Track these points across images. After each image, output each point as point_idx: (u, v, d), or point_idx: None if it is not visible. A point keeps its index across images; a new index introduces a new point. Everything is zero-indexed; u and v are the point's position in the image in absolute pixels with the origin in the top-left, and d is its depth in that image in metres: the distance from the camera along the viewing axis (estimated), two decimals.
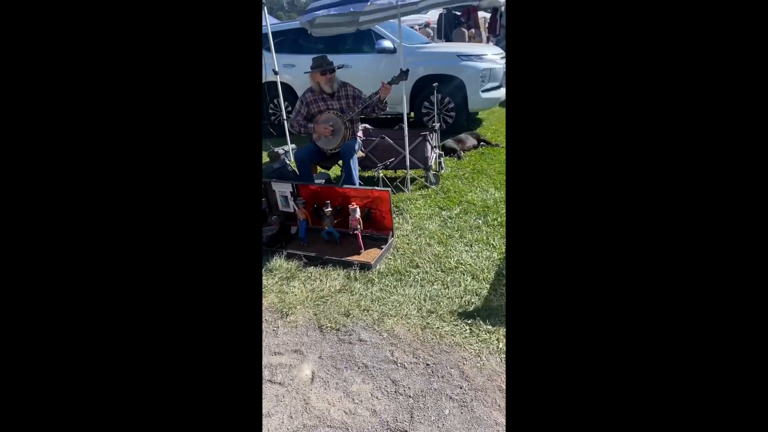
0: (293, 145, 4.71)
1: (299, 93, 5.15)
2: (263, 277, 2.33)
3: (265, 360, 1.74)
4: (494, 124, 5.31)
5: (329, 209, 2.56)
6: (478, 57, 4.80)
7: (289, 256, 2.49)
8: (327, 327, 1.89)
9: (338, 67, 2.96)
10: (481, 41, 8.36)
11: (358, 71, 4.86)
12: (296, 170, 3.54)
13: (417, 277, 2.20)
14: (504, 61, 5.11)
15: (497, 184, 3.33)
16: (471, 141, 4.40)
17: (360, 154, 3.46)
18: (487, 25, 8.97)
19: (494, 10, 8.59)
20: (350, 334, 1.83)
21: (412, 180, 3.49)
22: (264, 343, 1.83)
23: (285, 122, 4.67)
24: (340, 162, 3.10)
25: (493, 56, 4.95)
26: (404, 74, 2.83)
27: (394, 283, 2.16)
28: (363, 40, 5.19)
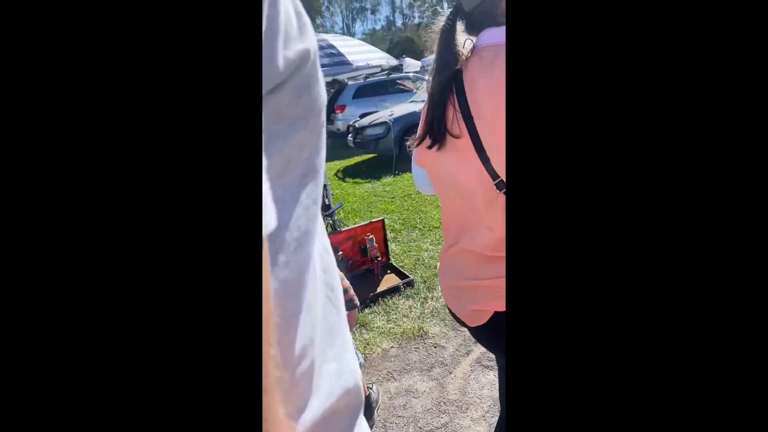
0: None
1: None
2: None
3: (469, 361, 1.79)
4: None
5: (340, 253, 2.52)
6: None
7: None
8: None
9: None
10: None
11: None
12: None
13: None
14: None
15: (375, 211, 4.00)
16: None
17: None
18: None
19: None
20: None
21: None
22: (446, 358, 1.83)
23: None
24: None
25: None
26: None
27: None
28: None
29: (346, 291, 1.37)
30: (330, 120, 9.25)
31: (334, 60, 2.82)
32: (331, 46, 2.80)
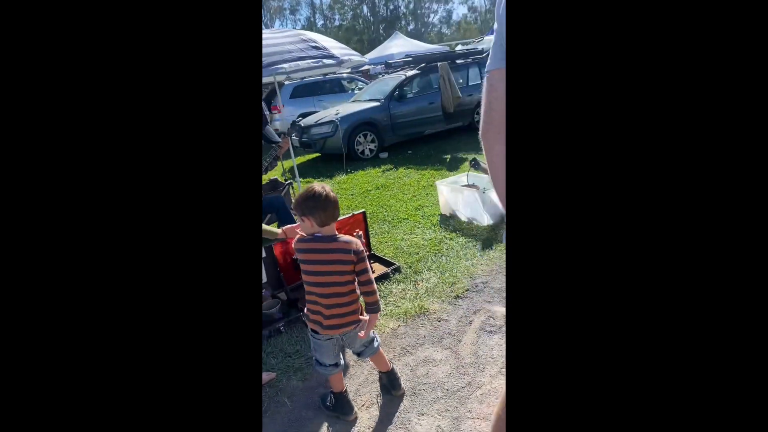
0: None
1: None
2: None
3: (473, 329, 1.99)
4: None
5: None
6: None
7: None
8: (491, 287, 2.28)
9: None
10: None
11: None
12: None
13: (436, 252, 2.83)
14: None
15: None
16: None
17: None
18: None
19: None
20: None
21: None
22: (452, 329, 2.01)
23: None
24: None
25: None
26: (295, 125, 3.13)
27: (437, 260, 2.70)
28: None
29: (373, 292, 1.47)
30: (267, 120, 9.02)
31: (321, 53, 2.86)
32: (313, 40, 2.85)
